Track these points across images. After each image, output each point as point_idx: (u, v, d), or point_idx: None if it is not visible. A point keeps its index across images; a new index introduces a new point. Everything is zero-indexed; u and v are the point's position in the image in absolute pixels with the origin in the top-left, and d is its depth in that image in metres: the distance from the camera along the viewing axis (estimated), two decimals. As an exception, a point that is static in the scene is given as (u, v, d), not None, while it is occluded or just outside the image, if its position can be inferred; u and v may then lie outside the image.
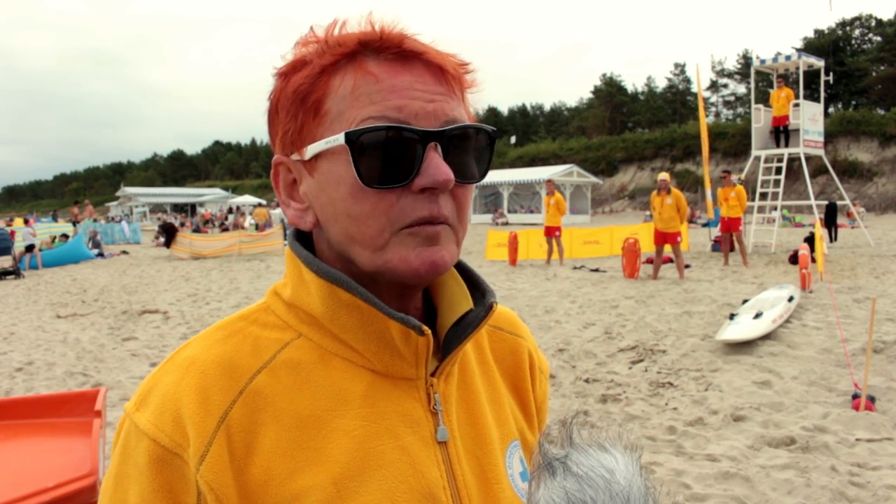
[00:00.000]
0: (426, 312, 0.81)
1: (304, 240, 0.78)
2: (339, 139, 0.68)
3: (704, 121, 19.20)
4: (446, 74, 0.71)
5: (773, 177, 18.01)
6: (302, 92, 0.70)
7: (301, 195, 0.75)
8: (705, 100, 67.68)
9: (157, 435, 0.65)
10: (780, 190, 17.62)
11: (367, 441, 0.69)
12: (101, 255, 21.09)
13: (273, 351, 0.71)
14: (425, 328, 0.71)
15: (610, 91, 71.69)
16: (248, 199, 54.71)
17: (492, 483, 0.76)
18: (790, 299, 7.92)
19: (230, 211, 46.91)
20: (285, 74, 0.72)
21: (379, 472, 0.68)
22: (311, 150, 0.70)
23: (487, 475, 0.76)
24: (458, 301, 0.79)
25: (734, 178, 14.93)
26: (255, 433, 0.67)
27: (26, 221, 20.79)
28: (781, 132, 17.81)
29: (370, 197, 0.68)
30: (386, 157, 0.67)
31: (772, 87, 20.63)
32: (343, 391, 0.71)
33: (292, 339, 0.73)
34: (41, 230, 22.01)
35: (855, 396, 4.82)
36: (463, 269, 0.82)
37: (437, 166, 0.67)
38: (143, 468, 0.65)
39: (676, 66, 76.20)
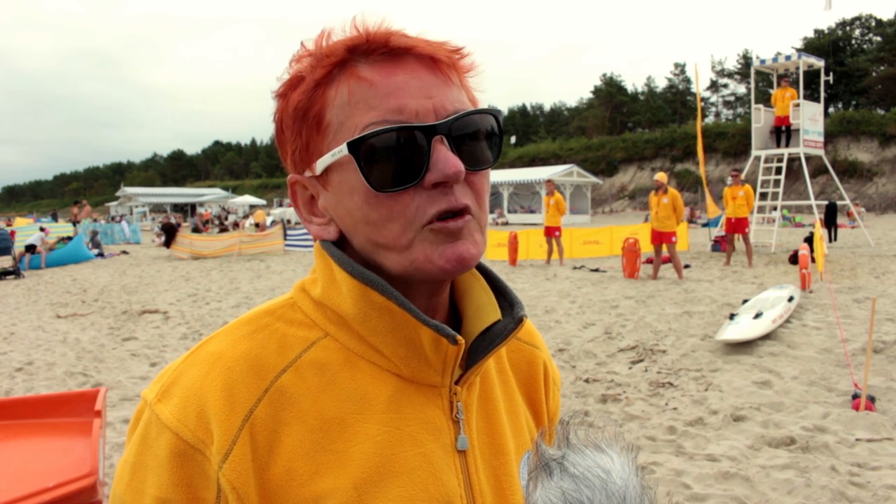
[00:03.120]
0: (451, 319, 0.80)
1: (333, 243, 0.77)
2: (342, 150, 0.68)
3: (700, 122, 19.20)
4: (440, 64, 0.70)
5: (773, 177, 18.01)
6: (301, 108, 0.70)
7: (321, 210, 0.75)
8: (705, 100, 67.69)
9: (180, 429, 0.65)
10: (780, 190, 17.62)
11: (390, 447, 0.69)
12: (101, 255, 21.10)
13: (299, 350, 0.71)
14: (459, 337, 0.70)
15: (610, 91, 71.67)
16: (247, 200, 54.71)
17: (507, 493, 0.76)
18: (790, 299, 7.92)
19: (222, 210, 46.77)
20: (284, 94, 0.72)
21: (400, 479, 0.68)
22: (320, 164, 0.71)
23: (503, 485, 0.76)
24: (486, 311, 0.78)
25: (729, 179, 14.89)
26: (279, 433, 0.66)
27: (42, 229, 20.81)
28: (783, 132, 17.81)
29: (385, 201, 0.68)
30: (393, 158, 0.66)
31: (772, 87, 20.65)
32: (368, 395, 0.70)
33: (319, 339, 0.72)
34: (52, 233, 22.02)
35: (855, 396, 4.82)
36: (491, 278, 0.81)
37: (445, 159, 0.66)
38: (163, 461, 0.65)
39: (676, 66, 76.28)
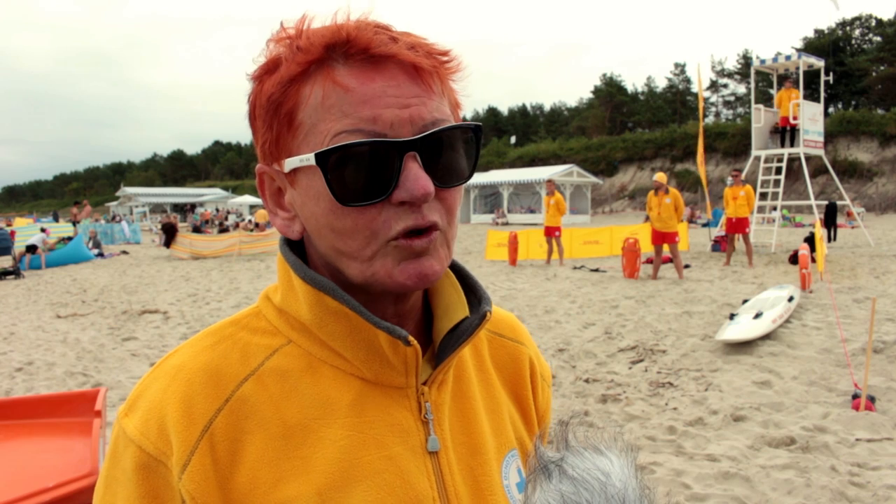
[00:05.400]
0: (424, 317, 0.79)
1: (295, 244, 0.76)
2: (310, 159, 0.66)
3: (702, 122, 19.19)
4: (422, 73, 0.67)
5: (773, 177, 18.00)
6: (274, 102, 0.68)
7: (287, 204, 0.73)
8: (705, 99, 67.70)
9: (143, 442, 0.66)
10: (780, 190, 17.61)
11: (353, 451, 0.68)
12: (101, 255, 21.10)
13: (261, 358, 0.71)
14: (412, 339, 0.69)
15: (610, 91, 71.64)
16: (246, 200, 54.72)
17: (485, 493, 0.74)
18: (790, 299, 7.92)
19: (219, 211, 46.66)
20: (259, 78, 0.70)
21: (364, 483, 0.67)
22: (288, 164, 0.69)
23: (481, 485, 0.74)
24: (455, 308, 0.77)
25: (729, 179, 14.89)
26: (241, 442, 0.66)
27: (43, 230, 20.85)
28: (787, 132, 17.79)
29: (350, 212, 0.66)
30: (361, 172, 0.64)
31: (772, 87, 20.64)
32: (330, 399, 0.69)
33: (281, 346, 0.72)
34: (53, 233, 22.04)
35: (855, 396, 4.82)
36: (462, 275, 0.80)
37: (414, 179, 0.64)
38: (129, 474, 0.66)
39: (676, 66, 76.28)
